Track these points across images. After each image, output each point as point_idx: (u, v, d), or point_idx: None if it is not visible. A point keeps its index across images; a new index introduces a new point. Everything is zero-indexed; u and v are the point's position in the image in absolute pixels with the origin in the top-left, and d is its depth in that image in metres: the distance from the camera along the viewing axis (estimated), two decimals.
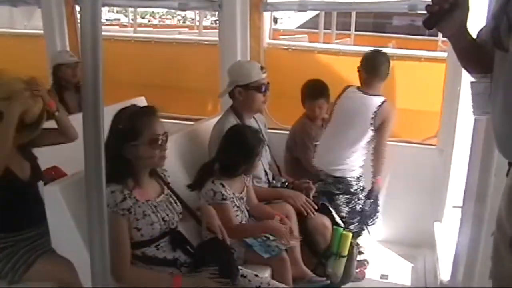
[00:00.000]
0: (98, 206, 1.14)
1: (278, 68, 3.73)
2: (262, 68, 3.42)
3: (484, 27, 1.81)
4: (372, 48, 3.87)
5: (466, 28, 1.70)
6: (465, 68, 1.94)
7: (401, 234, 4.06)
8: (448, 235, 3.50)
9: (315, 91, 4.04)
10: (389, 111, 3.64)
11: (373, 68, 3.69)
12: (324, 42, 8.00)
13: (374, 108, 3.60)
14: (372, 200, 3.75)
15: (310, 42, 8.49)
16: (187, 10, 5.31)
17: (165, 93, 5.61)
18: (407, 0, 4.02)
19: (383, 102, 3.63)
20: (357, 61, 3.79)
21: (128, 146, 2.32)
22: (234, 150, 2.97)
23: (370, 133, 3.64)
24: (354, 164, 3.71)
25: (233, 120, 3.35)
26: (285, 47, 4.90)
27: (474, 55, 1.80)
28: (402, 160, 4.05)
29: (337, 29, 8.88)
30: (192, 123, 4.21)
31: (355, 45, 7.98)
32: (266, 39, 4.71)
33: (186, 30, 12.30)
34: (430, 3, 1.60)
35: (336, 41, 8.42)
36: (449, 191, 3.77)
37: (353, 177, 3.71)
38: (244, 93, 3.37)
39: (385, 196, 3.91)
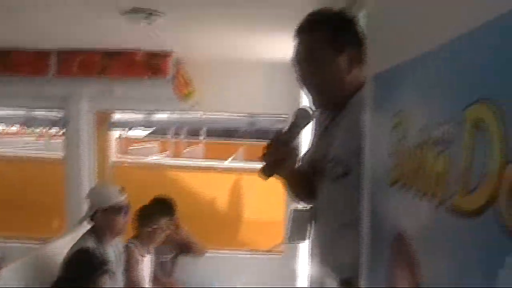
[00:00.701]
0: None
1: (126, 185, 3.74)
2: (122, 190, 3.44)
3: (304, 154, 2.01)
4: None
5: (296, 170, 1.89)
6: (293, 198, 2.10)
7: None
8: None
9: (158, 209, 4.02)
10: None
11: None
12: (173, 153, 8.14)
13: None
14: None
15: (161, 150, 8.59)
16: (32, 127, 5.16)
17: (6, 211, 5.28)
18: (248, 118, 4.41)
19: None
20: (204, 176, 3.91)
21: None
22: (72, 278, 2.85)
23: None
24: None
25: (90, 244, 3.26)
26: (133, 163, 4.94)
27: (301, 186, 1.98)
28: (249, 269, 4.15)
29: (187, 136, 9.08)
30: (37, 243, 4.00)
31: (205, 157, 8.21)
32: (113, 156, 4.72)
33: (34, 138, 11.85)
34: (263, 156, 1.76)
35: (186, 148, 8.62)
36: None
37: None
38: (104, 216, 3.35)
39: None
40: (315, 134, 1.98)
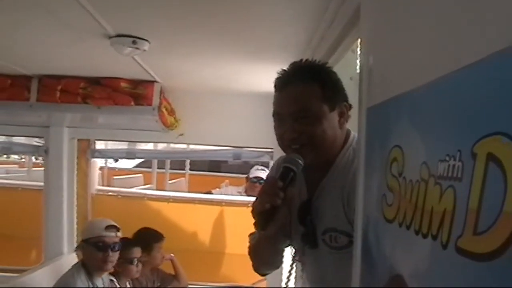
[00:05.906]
0: None
1: (107, 215, 3.64)
2: (114, 227, 3.33)
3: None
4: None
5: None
6: (259, 267, 1.95)
7: None
8: None
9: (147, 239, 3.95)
10: None
11: None
12: (157, 185, 8.03)
13: None
14: None
15: (145, 181, 8.48)
16: (10, 154, 5.02)
17: None
18: (231, 149, 4.36)
19: None
20: (187, 207, 3.82)
21: None
22: None
23: None
24: None
25: (83, 278, 3.19)
26: (115, 194, 4.82)
27: (275, 251, 1.85)
28: None
29: (172, 168, 8.99)
30: (14, 274, 3.87)
31: (189, 190, 8.10)
32: (95, 185, 4.62)
33: (16, 167, 11.56)
34: (258, 204, 1.58)
35: (171, 181, 8.51)
36: None
37: None
38: (85, 249, 3.29)
39: None
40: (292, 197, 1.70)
